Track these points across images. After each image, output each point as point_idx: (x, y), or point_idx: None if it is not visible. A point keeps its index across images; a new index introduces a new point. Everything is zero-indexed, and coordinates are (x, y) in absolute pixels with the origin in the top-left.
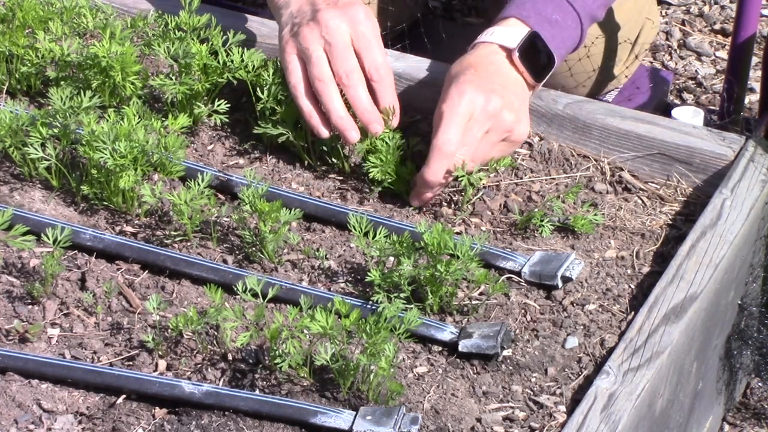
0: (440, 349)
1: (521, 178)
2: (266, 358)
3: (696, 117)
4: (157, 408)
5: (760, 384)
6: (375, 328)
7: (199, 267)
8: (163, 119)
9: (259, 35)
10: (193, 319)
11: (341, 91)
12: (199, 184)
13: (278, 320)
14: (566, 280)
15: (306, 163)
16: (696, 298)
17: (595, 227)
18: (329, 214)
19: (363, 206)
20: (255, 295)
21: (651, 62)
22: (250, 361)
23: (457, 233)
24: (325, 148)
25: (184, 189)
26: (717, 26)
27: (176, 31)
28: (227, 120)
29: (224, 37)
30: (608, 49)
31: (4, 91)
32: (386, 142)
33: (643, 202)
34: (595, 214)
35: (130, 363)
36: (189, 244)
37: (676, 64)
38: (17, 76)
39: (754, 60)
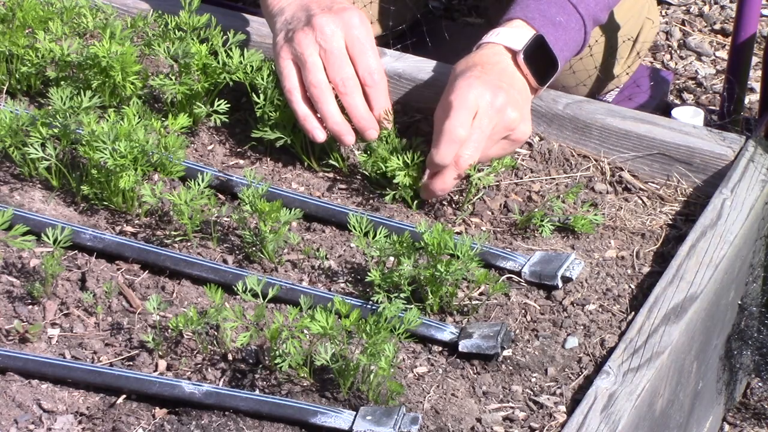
0: (440, 349)
1: (521, 178)
2: (266, 358)
3: (696, 117)
4: (157, 408)
5: (760, 384)
6: (375, 328)
7: (199, 267)
8: (163, 119)
9: (259, 35)
10: (193, 319)
11: (336, 96)
12: (199, 184)
13: (278, 320)
14: (566, 280)
15: (306, 163)
16: (696, 298)
17: (595, 227)
18: (329, 214)
19: (363, 206)
20: (255, 295)
21: (651, 62)
22: (250, 361)
23: (457, 233)
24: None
25: (184, 189)
26: (717, 26)
27: (176, 31)
28: (227, 120)
29: (224, 37)
30: (608, 49)
31: (4, 91)
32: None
33: (643, 202)
34: (595, 214)
35: (130, 363)
36: (189, 244)
37: (676, 64)
38: (17, 76)
39: (754, 60)
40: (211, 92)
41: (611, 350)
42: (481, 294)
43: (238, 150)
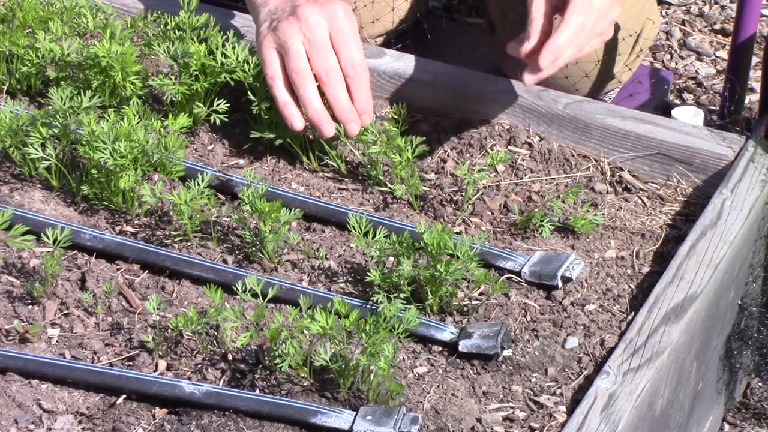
0: (440, 349)
1: (521, 178)
2: (266, 358)
3: (696, 117)
4: (157, 408)
5: (760, 384)
6: (374, 328)
7: (199, 267)
8: (163, 119)
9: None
10: (193, 319)
11: (319, 88)
12: (199, 184)
13: (278, 320)
14: (566, 280)
15: (306, 164)
16: (696, 298)
17: (595, 227)
18: (329, 214)
19: (363, 206)
20: (255, 295)
21: (651, 62)
22: (250, 361)
23: (457, 233)
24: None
25: (184, 189)
26: (717, 26)
27: (176, 30)
28: (227, 120)
29: (224, 37)
30: (609, 49)
31: (4, 91)
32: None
33: (643, 202)
34: (595, 214)
35: (130, 363)
36: (189, 244)
37: (676, 64)
38: (17, 76)
39: (754, 60)
40: (210, 92)
41: (611, 350)
42: (481, 294)
43: (238, 150)
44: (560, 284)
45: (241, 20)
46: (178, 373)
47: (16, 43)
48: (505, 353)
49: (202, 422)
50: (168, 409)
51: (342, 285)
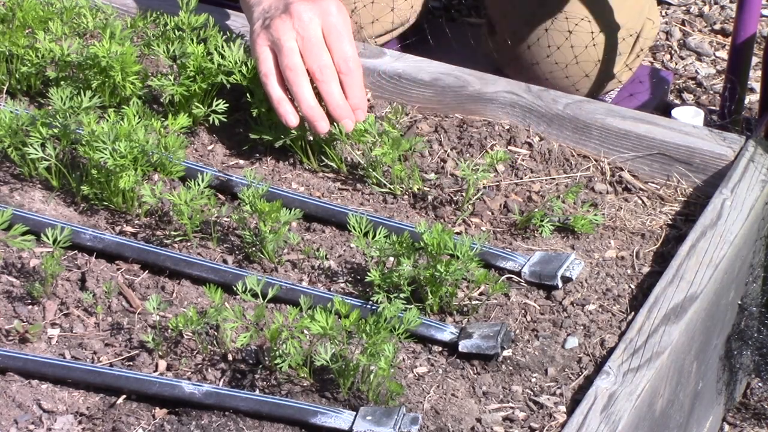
0: (440, 349)
1: (521, 178)
2: (266, 358)
3: (696, 117)
4: (157, 408)
5: (760, 384)
6: (375, 329)
7: (199, 267)
8: (163, 119)
9: None
10: (193, 319)
11: (313, 85)
12: (199, 184)
13: (278, 320)
14: (566, 280)
15: (306, 164)
16: (696, 298)
17: (595, 227)
18: (329, 214)
19: (363, 206)
20: (255, 295)
21: (651, 62)
22: (250, 361)
23: (457, 233)
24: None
25: (184, 189)
26: (717, 26)
27: (175, 31)
28: (227, 120)
29: (223, 38)
30: (609, 49)
31: (4, 91)
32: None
33: (643, 202)
34: (595, 214)
35: (130, 363)
36: (189, 244)
37: (676, 64)
38: (17, 76)
39: (754, 60)
40: (209, 92)
41: (611, 350)
42: (481, 294)
43: (238, 150)
44: (560, 284)
45: (240, 20)
46: (178, 373)
47: (16, 43)
48: (505, 353)
49: (202, 422)
50: (168, 410)
51: (342, 285)
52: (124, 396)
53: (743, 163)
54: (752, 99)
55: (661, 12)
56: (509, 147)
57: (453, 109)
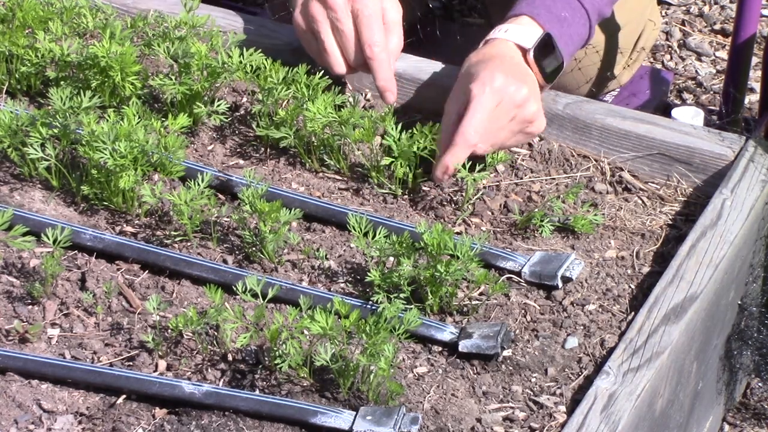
0: (440, 349)
1: (521, 178)
2: (266, 358)
3: (696, 117)
4: (157, 408)
5: (760, 384)
6: (375, 329)
7: (199, 267)
8: (163, 119)
9: (259, 35)
10: (193, 319)
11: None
12: (199, 184)
13: (278, 321)
14: (566, 280)
15: (306, 164)
16: (696, 298)
17: (595, 227)
18: (329, 214)
19: (363, 206)
20: (255, 296)
21: (651, 62)
22: (250, 361)
23: (457, 233)
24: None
25: (184, 189)
26: (717, 26)
27: (176, 31)
28: (227, 120)
29: (224, 37)
30: (609, 49)
31: (4, 91)
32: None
33: (643, 202)
34: (595, 214)
35: (130, 363)
36: (189, 244)
37: (676, 64)
38: (17, 76)
39: (754, 60)
40: (210, 92)
41: (611, 350)
42: (481, 294)
43: (238, 150)
44: (560, 284)
45: (240, 20)
46: (178, 373)
47: (16, 43)
48: (505, 353)
49: (202, 422)
50: (168, 409)
51: (342, 285)
52: (124, 396)
53: (743, 163)
54: (752, 99)
55: (661, 12)
56: None
57: None
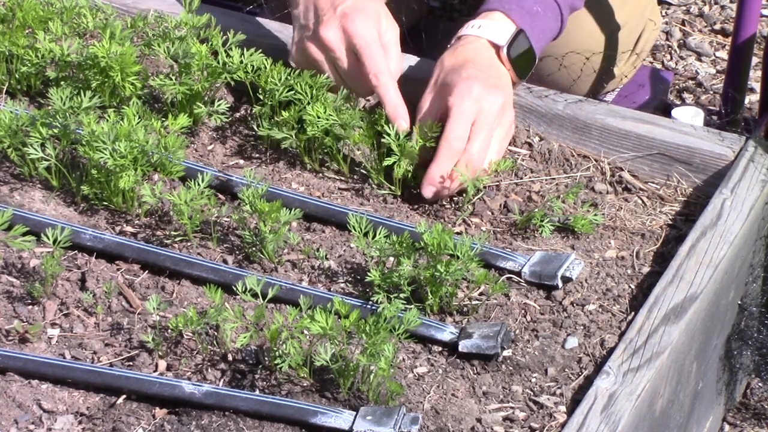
0: (440, 349)
1: (521, 178)
2: (266, 358)
3: (696, 117)
4: (157, 408)
5: (760, 384)
6: (375, 329)
7: (199, 267)
8: (163, 119)
9: (259, 35)
10: (193, 319)
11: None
12: (199, 184)
13: (278, 321)
14: (566, 280)
15: (306, 164)
16: (696, 298)
17: (595, 227)
18: (329, 214)
19: (363, 206)
20: (255, 296)
21: (651, 62)
22: (250, 361)
23: (457, 233)
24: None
25: (184, 189)
26: (717, 26)
27: (176, 31)
28: (227, 120)
29: (224, 37)
30: (609, 49)
31: (4, 91)
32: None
33: (643, 202)
34: (595, 214)
35: (130, 363)
36: (189, 244)
37: (676, 64)
38: (17, 76)
39: (754, 60)
40: (210, 92)
41: (611, 350)
42: (481, 294)
43: (238, 150)
44: (560, 284)
45: (241, 20)
46: (178, 373)
47: (16, 43)
48: (505, 353)
49: (202, 422)
50: (168, 410)
51: (342, 285)
52: (124, 396)
53: (743, 163)
54: (752, 99)
55: (661, 12)
56: (509, 147)
57: None
